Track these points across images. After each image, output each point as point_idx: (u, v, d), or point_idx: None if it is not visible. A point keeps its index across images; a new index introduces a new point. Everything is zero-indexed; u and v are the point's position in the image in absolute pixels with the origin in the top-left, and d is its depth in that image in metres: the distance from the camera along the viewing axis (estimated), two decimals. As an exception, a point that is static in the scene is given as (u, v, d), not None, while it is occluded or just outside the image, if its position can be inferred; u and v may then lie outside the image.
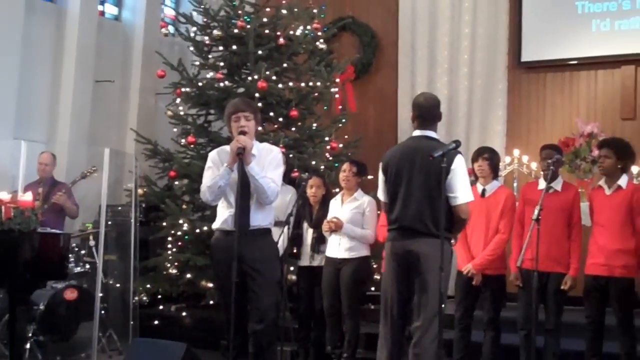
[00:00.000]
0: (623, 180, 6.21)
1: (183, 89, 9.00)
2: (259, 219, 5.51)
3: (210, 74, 9.20)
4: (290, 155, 8.30)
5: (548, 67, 10.37)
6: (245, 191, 5.38)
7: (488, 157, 6.57)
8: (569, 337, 6.75)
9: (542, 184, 6.43)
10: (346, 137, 9.62)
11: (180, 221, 8.45)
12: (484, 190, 6.53)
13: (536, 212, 5.67)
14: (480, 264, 6.39)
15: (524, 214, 6.48)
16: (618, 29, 9.95)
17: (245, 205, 5.41)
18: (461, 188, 5.21)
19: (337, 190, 7.53)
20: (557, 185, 6.39)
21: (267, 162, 5.54)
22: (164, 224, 8.65)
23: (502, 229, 6.44)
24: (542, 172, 6.63)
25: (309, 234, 7.35)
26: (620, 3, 9.94)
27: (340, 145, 9.24)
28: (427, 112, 5.42)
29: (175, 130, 9.25)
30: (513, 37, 10.53)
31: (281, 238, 6.36)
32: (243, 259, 5.29)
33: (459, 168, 5.20)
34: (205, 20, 9.29)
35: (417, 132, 5.43)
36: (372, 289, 7.81)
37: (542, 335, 6.29)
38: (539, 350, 6.20)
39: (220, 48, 9.31)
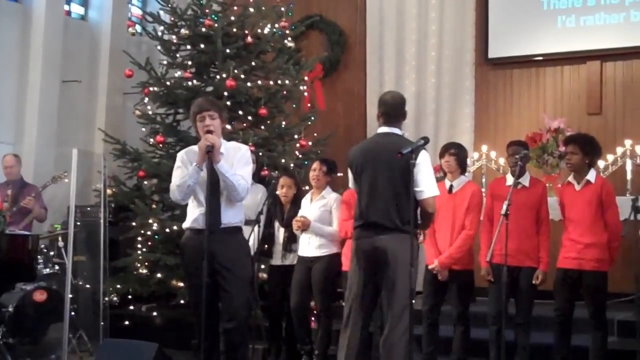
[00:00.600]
0: (592, 175, 6.28)
1: (151, 89, 8.97)
2: (229, 216, 5.53)
3: (178, 73, 9.20)
4: (260, 154, 8.30)
5: (515, 63, 10.44)
6: (215, 189, 5.40)
7: (455, 152, 6.61)
8: (539, 330, 6.83)
9: (509, 180, 6.49)
10: (315, 135, 9.64)
11: (150, 221, 8.43)
12: (451, 186, 6.57)
13: (505, 207, 5.73)
14: (446, 263, 6.44)
15: (492, 209, 6.54)
16: (583, 25, 10.03)
17: (215, 203, 5.43)
18: (426, 182, 5.25)
19: (307, 188, 7.54)
20: (525, 180, 6.46)
21: (236, 160, 5.56)
22: (134, 223, 8.63)
23: (468, 225, 6.47)
24: (510, 168, 6.69)
25: (280, 232, 7.36)
26: (585, -1, 10.05)
27: (310, 143, 9.26)
28: (393, 109, 5.48)
29: (143, 129, 9.22)
30: (480, 34, 10.60)
31: (252, 236, 6.38)
32: (214, 257, 5.30)
33: (424, 162, 5.24)
34: (172, 19, 9.25)
35: (382, 129, 5.48)
36: (343, 285, 7.83)
37: (512, 330, 6.37)
38: (510, 345, 6.26)
39: (188, 47, 9.28)
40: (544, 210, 6.46)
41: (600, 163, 8.77)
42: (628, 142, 8.85)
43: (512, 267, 6.10)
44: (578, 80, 10.06)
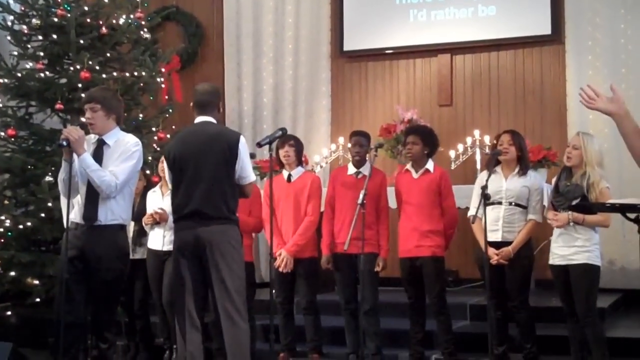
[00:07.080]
0: (430, 165, 6.62)
1: (1, 80, 8.67)
2: (104, 214, 5.43)
3: (30, 65, 8.90)
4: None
5: (369, 56, 10.66)
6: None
7: (294, 144, 6.84)
8: (392, 317, 7.07)
9: (351, 169, 6.75)
10: (174, 127, 9.57)
11: (2, 217, 8.16)
12: (289, 176, 6.79)
13: (361, 196, 5.95)
14: (292, 250, 6.61)
15: (334, 198, 6.77)
16: (434, 19, 10.32)
17: (91, 198, 5.40)
18: (249, 168, 5.47)
19: (158, 180, 7.46)
20: (366, 170, 6.68)
21: (118, 154, 5.47)
22: (-16, 221, 8.33)
23: (309, 212, 6.73)
24: (352, 157, 6.91)
25: (130, 227, 7.28)
26: (436, -6, 10.35)
27: (168, 136, 9.18)
28: (202, 98, 5.58)
29: (-7, 123, 8.90)
30: (335, 27, 10.77)
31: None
32: (83, 254, 5.27)
33: (244, 149, 5.40)
34: (23, 8, 8.95)
35: (198, 119, 5.58)
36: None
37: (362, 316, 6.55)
38: (362, 331, 6.44)
39: (40, 37, 9.00)
40: (383, 199, 6.74)
41: (451, 153, 9.13)
42: (477, 132, 9.20)
43: (353, 255, 6.31)
44: (429, 73, 10.37)
